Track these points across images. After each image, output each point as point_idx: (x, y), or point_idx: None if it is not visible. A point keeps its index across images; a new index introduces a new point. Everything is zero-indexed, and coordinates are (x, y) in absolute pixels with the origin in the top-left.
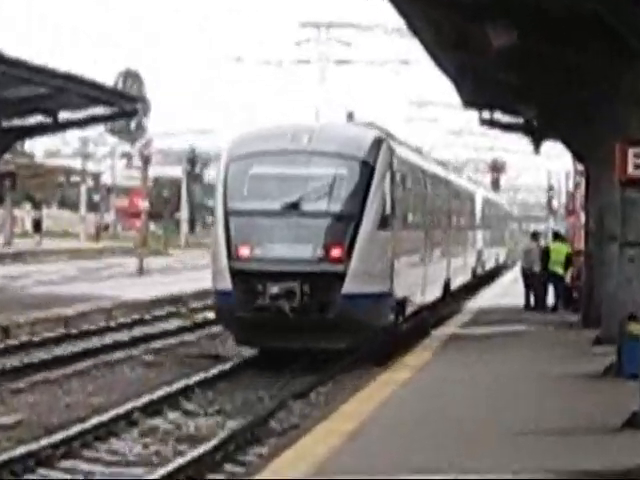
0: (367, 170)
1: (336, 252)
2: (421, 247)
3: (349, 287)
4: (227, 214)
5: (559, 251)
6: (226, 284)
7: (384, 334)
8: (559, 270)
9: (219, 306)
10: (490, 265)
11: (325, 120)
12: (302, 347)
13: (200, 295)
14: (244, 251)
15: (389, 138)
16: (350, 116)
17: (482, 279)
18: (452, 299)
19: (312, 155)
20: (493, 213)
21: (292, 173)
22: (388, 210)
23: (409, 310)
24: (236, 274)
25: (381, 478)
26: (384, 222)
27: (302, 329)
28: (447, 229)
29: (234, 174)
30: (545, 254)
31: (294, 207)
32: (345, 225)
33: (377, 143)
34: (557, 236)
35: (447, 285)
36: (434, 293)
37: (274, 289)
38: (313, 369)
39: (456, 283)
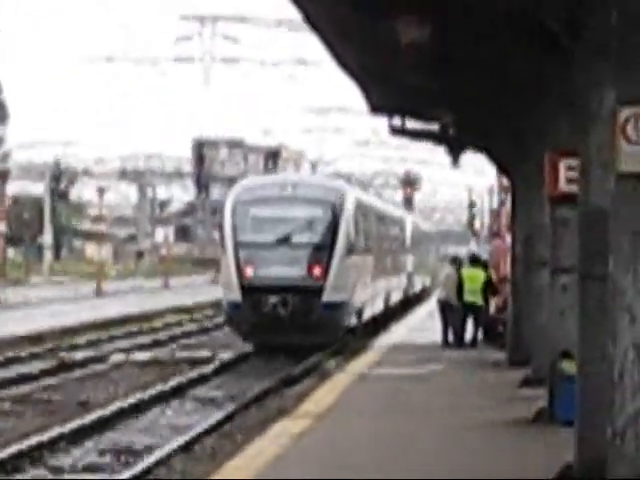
0: (337, 211)
1: (317, 272)
2: (371, 269)
3: (327, 297)
4: (236, 245)
5: (474, 278)
6: (236, 296)
7: (349, 332)
8: (476, 300)
9: (230, 313)
10: (418, 287)
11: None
12: (293, 343)
13: (67, 332)
14: (250, 272)
15: (349, 185)
16: (313, 167)
17: (410, 300)
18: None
19: (296, 200)
20: (420, 238)
21: (282, 214)
22: (352, 240)
23: (365, 316)
24: (244, 289)
25: None
26: (349, 249)
27: (294, 329)
28: (387, 254)
29: (239, 215)
30: (459, 282)
31: (285, 240)
32: (322, 252)
33: (342, 190)
34: (473, 260)
35: (387, 300)
36: (379, 305)
37: (273, 299)
38: (194, 413)
39: (393, 299)
